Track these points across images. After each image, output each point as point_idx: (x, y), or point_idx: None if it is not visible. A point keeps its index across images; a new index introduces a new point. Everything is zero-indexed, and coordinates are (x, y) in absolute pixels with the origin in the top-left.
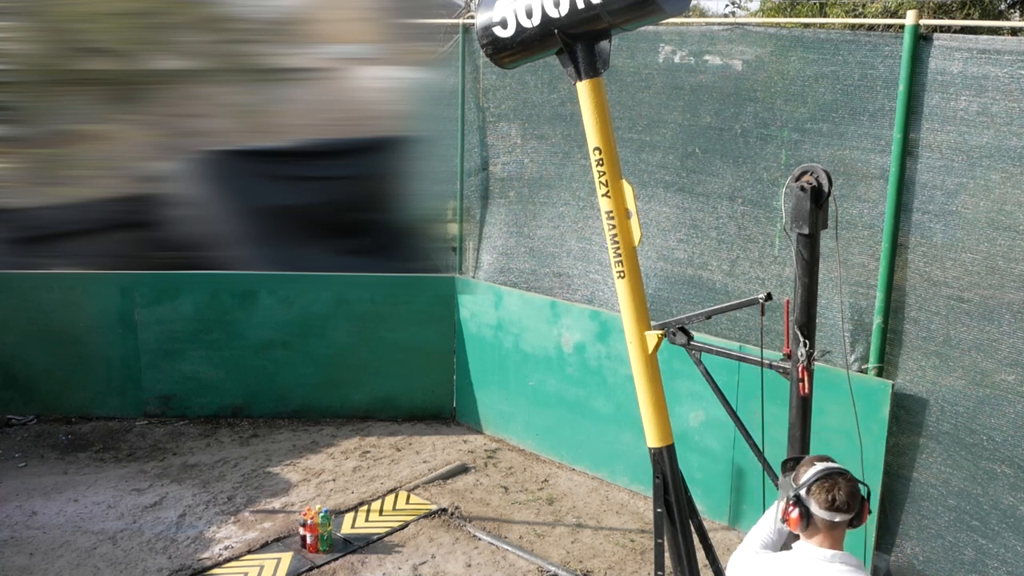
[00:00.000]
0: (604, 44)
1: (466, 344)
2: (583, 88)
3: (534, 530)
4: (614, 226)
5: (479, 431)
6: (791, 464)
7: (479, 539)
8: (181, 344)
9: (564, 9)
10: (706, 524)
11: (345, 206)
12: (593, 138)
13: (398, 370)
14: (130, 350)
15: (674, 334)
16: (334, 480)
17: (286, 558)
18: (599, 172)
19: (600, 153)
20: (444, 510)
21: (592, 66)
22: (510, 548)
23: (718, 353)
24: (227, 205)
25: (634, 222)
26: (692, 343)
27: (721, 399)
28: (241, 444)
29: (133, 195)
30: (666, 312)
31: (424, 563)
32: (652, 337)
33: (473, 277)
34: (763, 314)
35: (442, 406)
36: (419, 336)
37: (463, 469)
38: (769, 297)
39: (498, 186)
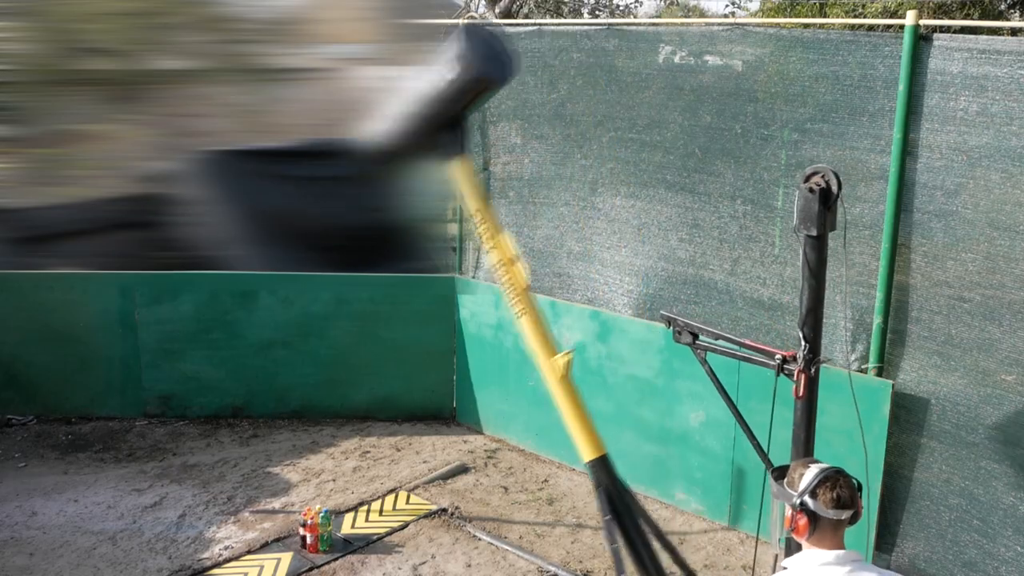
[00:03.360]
0: (462, 128)
1: (466, 344)
2: (460, 163)
3: (534, 530)
4: (503, 275)
5: (479, 431)
6: (778, 473)
7: (479, 539)
8: (181, 344)
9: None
10: (706, 524)
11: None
12: (471, 204)
13: (398, 370)
14: (130, 350)
15: (679, 333)
16: (334, 480)
17: (286, 558)
18: (483, 230)
19: (479, 215)
20: (444, 510)
21: (462, 145)
22: (510, 548)
23: (724, 353)
24: (227, 205)
25: (520, 266)
26: (697, 343)
27: (726, 399)
28: (241, 444)
29: (133, 195)
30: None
31: (424, 563)
32: (560, 361)
33: (473, 277)
34: (777, 375)
35: (442, 406)
36: (419, 336)
37: (463, 469)
38: (785, 361)
39: (498, 186)
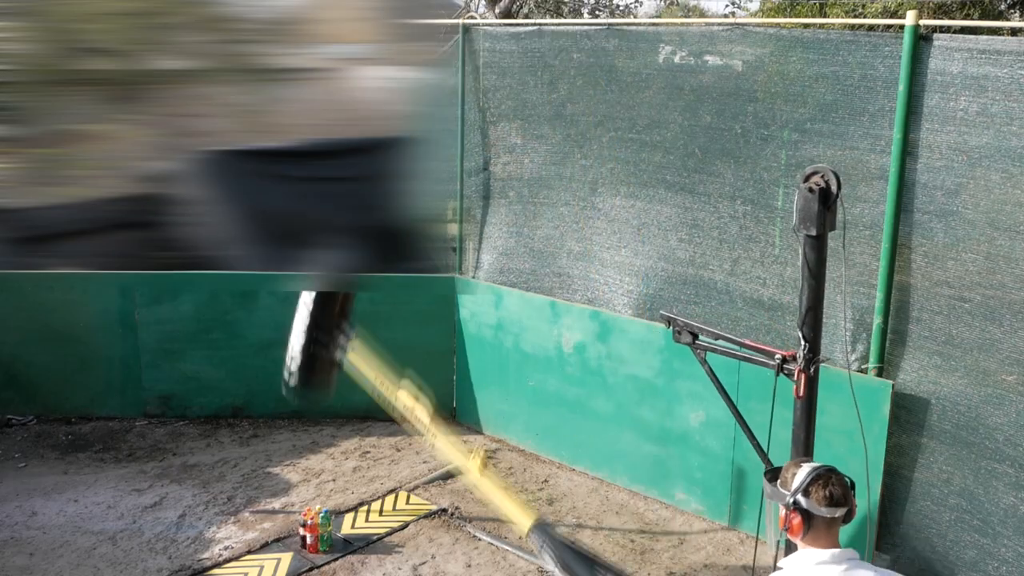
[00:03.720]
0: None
1: (466, 344)
2: (353, 349)
3: None
4: (411, 414)
5: (479, 431)
6: (771, 475)
7: (479, 539)
8: (181, 344)
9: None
10: (706, 524)
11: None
12: (372, 376)
13: (398, 370)
14: (130, 350)
15: (679, 333)
16: (334, 480)
17: (286, 558)
18: (384, 392)
19: (379, 382)
20: (444, 510)
21: (350, 332)
22: (510, 548)
23: (723, 353)
24: (227, 205)
25: (421, 403)
26: (697, 343)
27: (726, 399)
28: (241, 444)
29: (133, 195)
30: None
31: (424, 563)
32: (475, 460)
33: (473, 277)
34: (777, 375)
35: (442, 405)
36: (419, 336)
37: (462, 471)
38: (784, 360)
39: (498, 186)
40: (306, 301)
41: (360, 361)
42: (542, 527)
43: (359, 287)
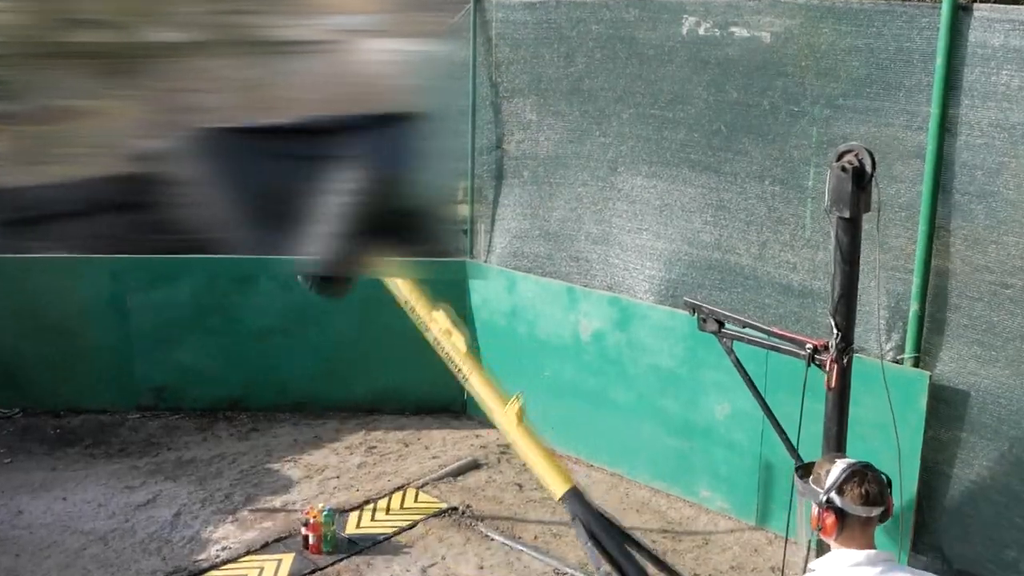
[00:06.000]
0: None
1: (478, 332)
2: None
3: (550, 530)
4: (443, 347)
5: (491, 425)
6: (803, 471)
7: (492, 539)
8: (176, 332)
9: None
10: (732, 523)
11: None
12: (403, 296)
13: (405, 360)
14: (122, 338)
15: (704, 320)
16: (338, 477)
17: (287, 559)
18: (416, 317)
19: (412, 302)
20: (455, 509)
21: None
22: (525, 549)
23: (751, 342)
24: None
25: (456, 334)
26: (723, 331)
27: (753, 391)
28: (239, 439)
29: (127, 175)
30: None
31: (434, 565)
32: (512, 408)
33: (485, 261)
34: (808, 366)
35: (452, 398)
36: None
37: (475, 465)
38: (816, 350)
39: (512, 165)
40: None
41: (395, 276)
42: (577, 495)
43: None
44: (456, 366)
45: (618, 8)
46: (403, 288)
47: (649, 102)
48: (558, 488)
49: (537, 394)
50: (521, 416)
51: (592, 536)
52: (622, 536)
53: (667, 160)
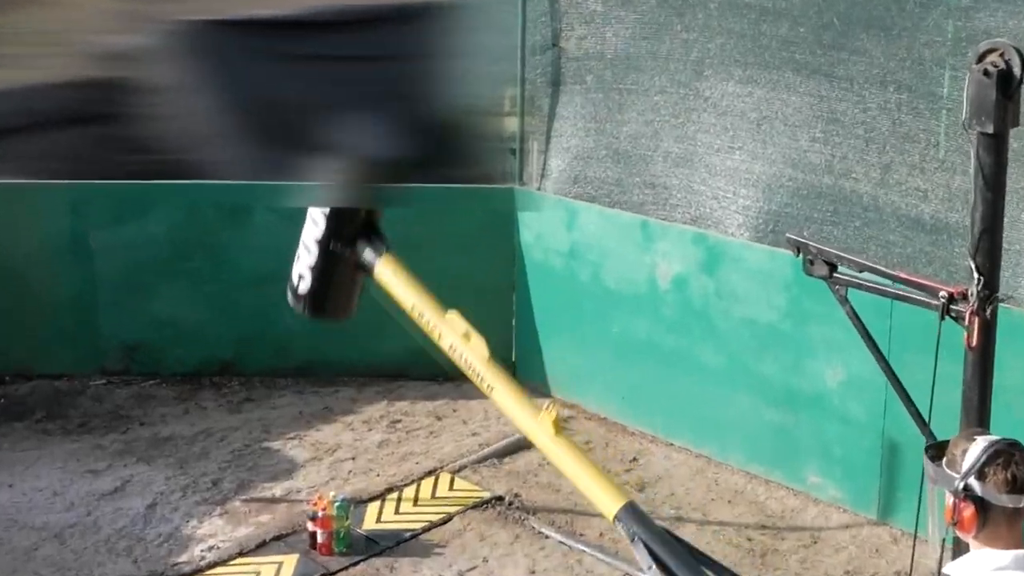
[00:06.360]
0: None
1: (529, 278)
2: (383, 264)
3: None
4: (461, 354)
5: (547, 393)
6: (935, 451)
7: (546, 537)
8: (150, 277)
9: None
10: (848, 517)
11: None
12: (407, 300)
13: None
14: (83, 285)
15: (812, 262)
16: (353, 459)
17: (290, 562)
18: (425, 324)
19: (417, 307)
20: (500, 498)
21: (382, 243)
22: (587, 549)
23: (871, 289)
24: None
25: (476, 338)
26: (836, 275)
27: (873, 350)
28: (230, 411)
29: (90, 80)
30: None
31: (473, 569)
32: (547, 419)
33: (538, 188)
34: (942, 319)
35: (498, 360)
36: (467, 267)
37: (525, 444)
38: (952, 299)
39: (571, 68)
40: (315, 218)
41: (392, 281)
42: (634, 513)
43: (388, 201)
44: (478, 375)
45: None
46: (404, 297)
47: None
48: (611, 505)
49: (603, 355)
50: (558, 426)
51: (657, 560)
52: (695, 557)
53: (766, 61)
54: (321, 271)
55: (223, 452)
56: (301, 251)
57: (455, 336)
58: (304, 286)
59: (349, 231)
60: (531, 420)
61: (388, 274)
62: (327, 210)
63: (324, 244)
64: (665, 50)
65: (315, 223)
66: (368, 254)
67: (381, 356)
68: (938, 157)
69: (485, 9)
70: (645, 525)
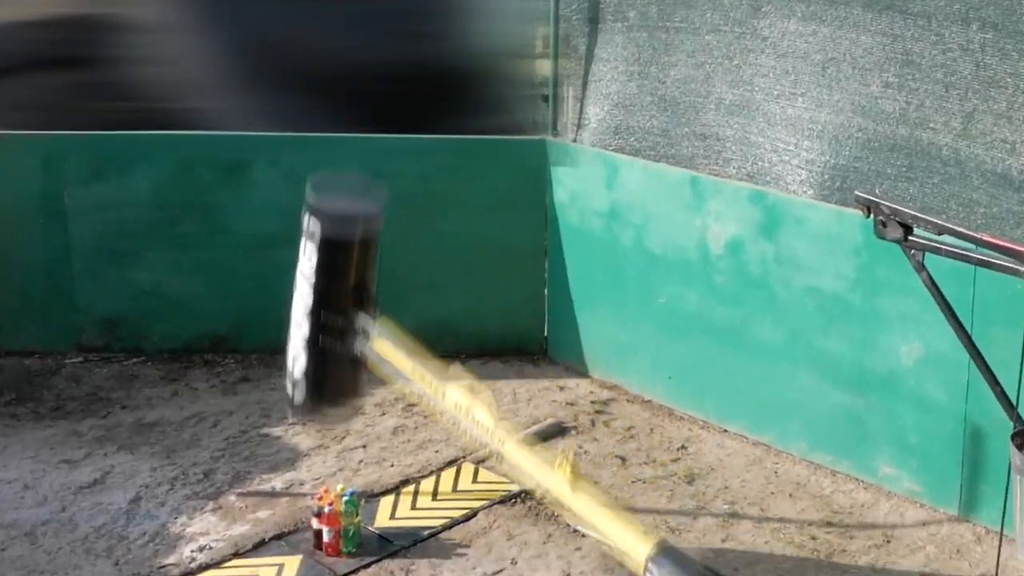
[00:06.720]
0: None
1: (563, 242)
2: (380, 329)
3: (666, 522)
4: (468, 410)
5: (583, 373)
6: (1022, 440)
7: (583, 536)
8: (134, 242)
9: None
10: (925, 513)
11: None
12: (407, 364)
13: (462, 281)
14: (57, 251)
15: (884, 223)
16: (364, 447)
17: (292, 564)
18: (428, 384)
19: (418, 372)
20: (530, 492)
21: (374, 309)
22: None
23: (952, 255)
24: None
25: (481, 401)
26: (911, 239)
27: (955, 325)
28: (224, 393)
29: (64, 17)
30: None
31: (501, 571)
32: (563, 469)
33: (575, 140)
34: None
35: (528, 336)
36: (493, 229)
37: (559, 430)
38: None
39: (612, 3)
40: (306, 272)
41: (389, 351)
42: (668, 551)
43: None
44: (487, 430)
45: None
46: (404, 366)
47: None
48: (641, 548)
49: (647, 330)
50: (576, 474)
51: None
52: None
53: None
54: (318, 351)
55: (216, 439)
56: (294, 331)
57: (459, 400)
58: (299, 370)
59: (341, 299)
60: (547, 470)
61: (387, 339)
62: (315, 279)
63: (316, 319)
64: None
65: (302, 295)
66: (363, 321)
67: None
68: None
69: None
70: (683, 564)
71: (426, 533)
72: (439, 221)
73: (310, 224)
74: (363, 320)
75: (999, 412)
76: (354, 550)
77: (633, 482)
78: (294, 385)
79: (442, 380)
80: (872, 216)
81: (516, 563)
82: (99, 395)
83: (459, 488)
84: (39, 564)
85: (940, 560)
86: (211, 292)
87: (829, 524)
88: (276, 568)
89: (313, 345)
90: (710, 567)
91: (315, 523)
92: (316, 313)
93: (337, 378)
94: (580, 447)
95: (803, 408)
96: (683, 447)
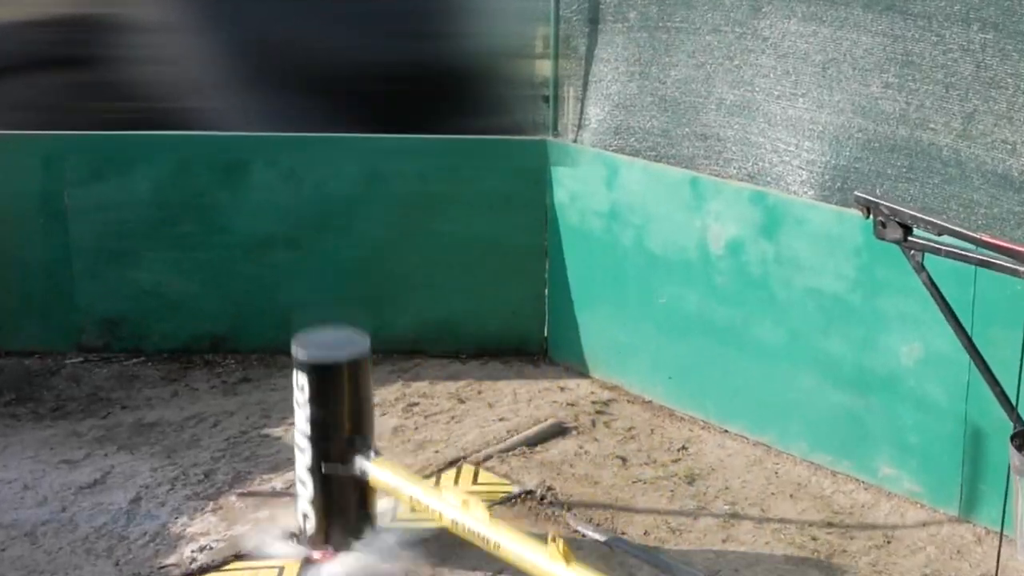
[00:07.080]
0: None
1: (564, 242)
2: (378, 468)
3: (666, 522)
4: (464, 525)
5: (583, 373)
6: (1021, 441)
7: (584, 535)
8: (134, 242)
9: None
10: (925, 513)
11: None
12: (405, 494)
13: (461, 281)
14: (57, 251)
15: (884, 224)
16: None
17: (292, 566)
18: (425, 509)
19: (415, 499)
20: (531, 492)
21: (370, 449)
22: (629, 549)
23: (952, 255)
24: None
25: (473, 504)
26: (911, 239)
27: (955, 326)
28: (225, 393)
29: (64, 17)
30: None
31: (502, 572)
32: (556, 548)
33: (575, 140)
34: None
35: (527, 336)
36: (493, 229)
37: (559, 431)
38: None
39: (612, 3)
40: (300, 445)
41: (389, 482)
42: None
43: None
44: (483, 539)
45: None
46: (403, 482)
47: None
48: None
49: (647, 330)
50: (568, 554)
51: None
52: None
53: None
54: (323, 498)
55: (216, 440)
56: (297, 487)
57: (455, 505)
58: (306, 502)
59: (337, 448)
60: (545, 560)
61: (386, 476)
62: (309, 432)
63: (316, 469)
64: None
65: (301, 450)
66: (361, 463)
67: (397, 330)
68: None
69: None
70: None
71: (427, 534)
72: (439, 221)
73: (299, 354)
74: (362, 462)
75: (999, 412)
76: None
77: (634, 482)
78: (305, 520)
79: (435, 491)
80: (871, 217)
81: None
82: (99, 395)
83: (459, 488)
84: (39, 564)
85: (940, 561)
86: (211, 292)
87: (830, 525)
88: (276, 570)
89: (317, 471)
90: None
91: None
92: (320, 440)
93: (347, 509)
94: (580, 447)
95: (803, 409)
96: (684, 447)
